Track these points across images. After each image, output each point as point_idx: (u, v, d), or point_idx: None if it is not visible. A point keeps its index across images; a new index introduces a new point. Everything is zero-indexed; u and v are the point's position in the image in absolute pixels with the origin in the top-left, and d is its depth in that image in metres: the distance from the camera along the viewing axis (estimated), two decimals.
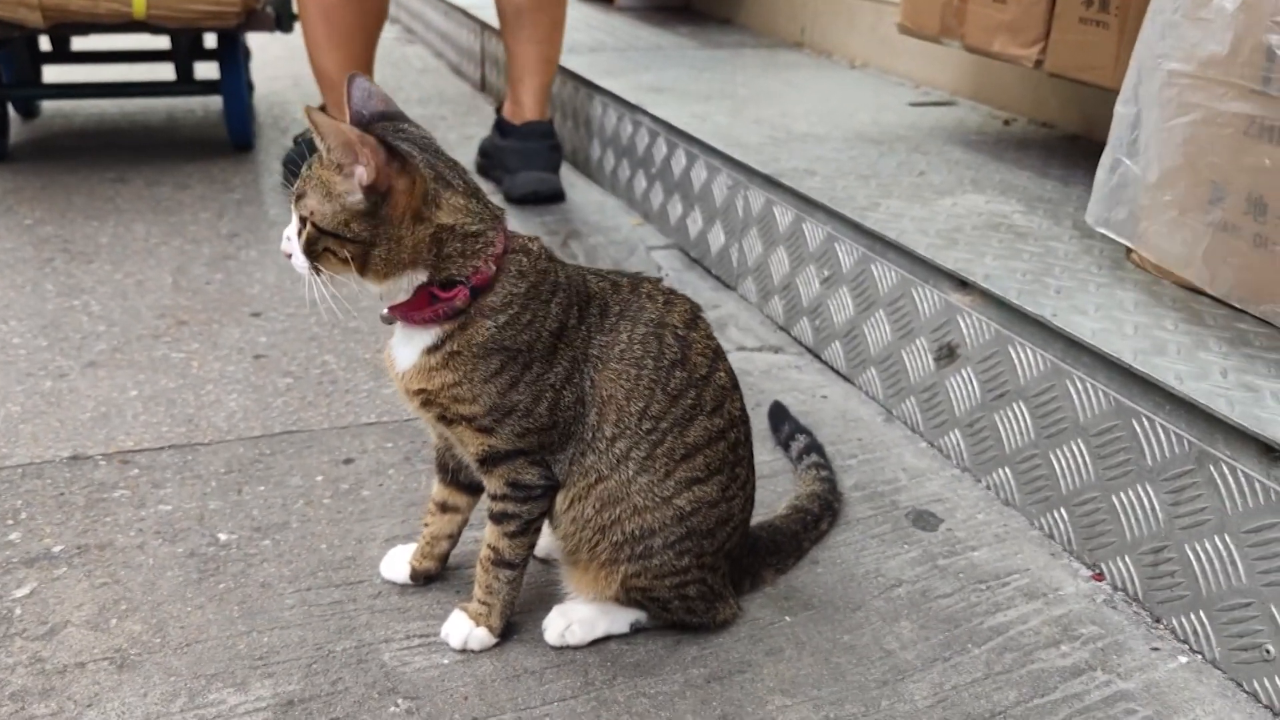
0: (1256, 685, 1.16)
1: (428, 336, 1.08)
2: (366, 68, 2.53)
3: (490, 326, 1.06)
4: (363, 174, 0.98)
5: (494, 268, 1.06)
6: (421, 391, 1.10)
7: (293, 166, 2.75)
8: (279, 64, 4.18)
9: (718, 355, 1.17)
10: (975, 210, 1.89)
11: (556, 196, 2.71)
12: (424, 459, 1.58)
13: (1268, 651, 1.14)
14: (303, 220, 1.02)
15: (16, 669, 1.14)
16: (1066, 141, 2.48)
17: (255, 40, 3.50)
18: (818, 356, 1.94)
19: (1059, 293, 1.51)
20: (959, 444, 1.59)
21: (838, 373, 1.89)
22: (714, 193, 2.26)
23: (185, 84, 3.09)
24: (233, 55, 2.79)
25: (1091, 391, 1.34)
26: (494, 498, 1.15)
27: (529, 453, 1.11)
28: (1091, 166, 2.24)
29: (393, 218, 1.00)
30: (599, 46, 3.52)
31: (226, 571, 1.31)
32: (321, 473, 1.54)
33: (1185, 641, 1.24)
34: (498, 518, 1.15)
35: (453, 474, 1.24)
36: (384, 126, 1.05)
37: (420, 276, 1.04)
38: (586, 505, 1.13)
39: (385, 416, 1.70)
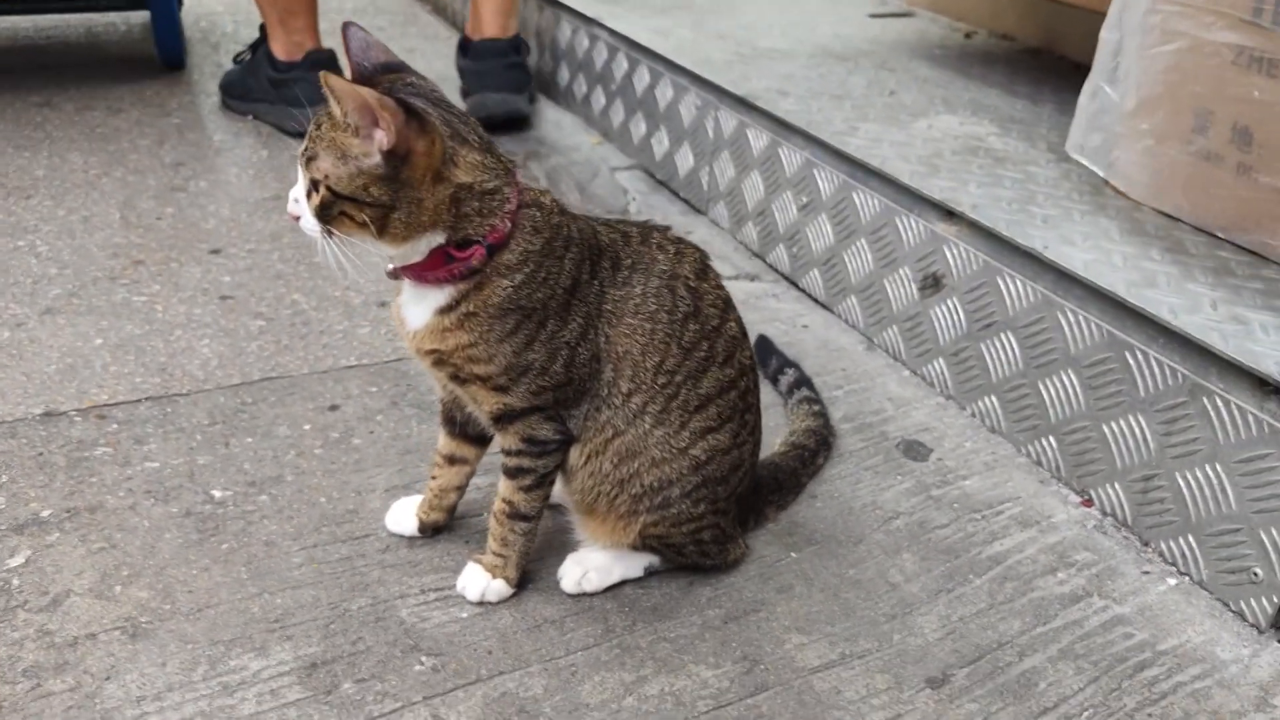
0: (1243, 605, 1.22)
1: (441, 296, 1.05)
2: None
3: (507, 285, 1.03)
4: (382, 138, 0.94)
5: (509, 225, 1.03)
6: (434, 351, 1.07)
7: (231, 90, 2.62)
8: None
9: (728, 305, 1.17)
10: (951, 133, 1.88)
11: (515, 119, 2.62)
12: (410, 403, 1.56)
13: (1256, 574, 1.20)
14: (314, 184, 0.98)
15: (25, 644, 1.11)
16: (1029, 55, 2.47)
17: None
18: (795, 284, 1.94)
19: (1045, 222, 1.52)
20: (943, 372, 1.61)
21: (816, 301, 1.89)
22: (681, 113, 2.22)
23: None
24: None
25: (1084, 323, 1.36)
26: (508, 453, 1.14)
27: (544, 409, 1.10)
28: (1056, 83, 2.25)
29: (413, 180, 0.96)
30: None
31: (227, 530, 1.29)
32: (308, 421, 1.51)
33: (1173, 564, 1.30)
34: (512, 472, 1.14)
35: (460, 426, 1.22)
36: (391, 81, 1.00)
37: (439, 238, 1.00)
38: (604, 460, 1.13)
39: (365, 359, 1.66)
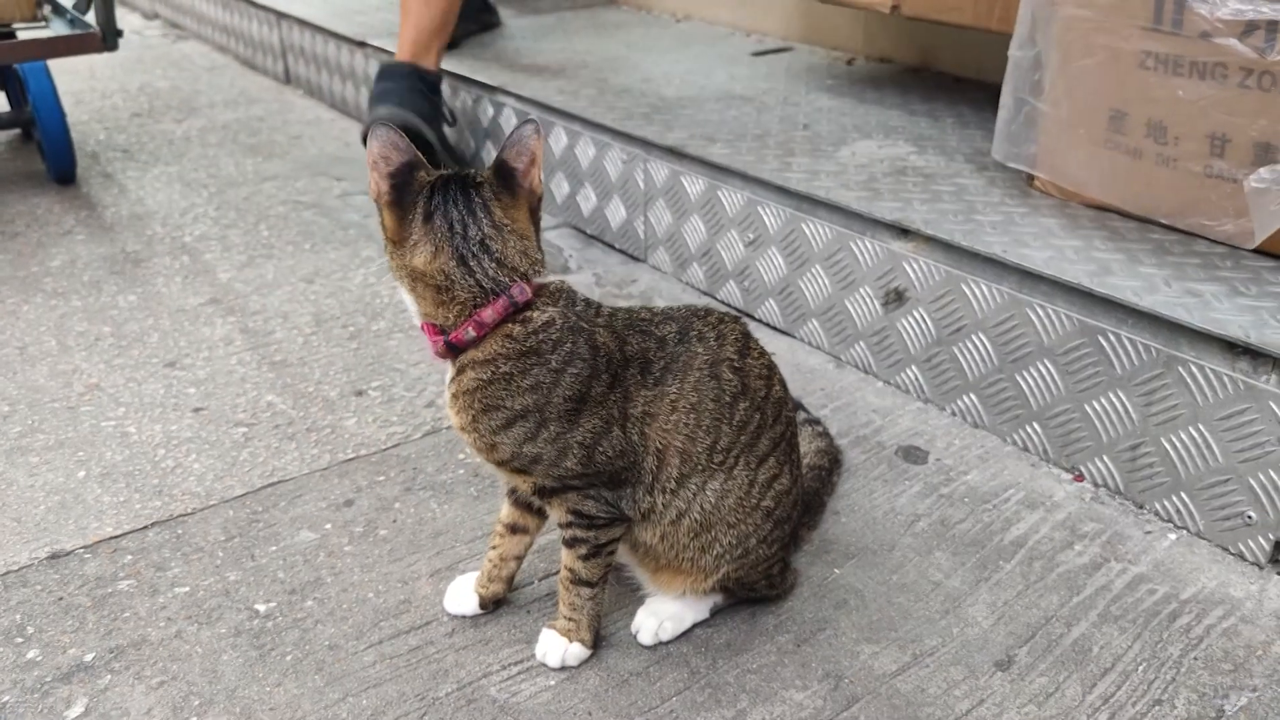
0: (1242, 547, 1.35)
1: (448, 370, 1.13)
2: None
3: (475, 379, 1.09)
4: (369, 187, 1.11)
5: (473, 333, 1.07)
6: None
7: None
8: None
9: (771, 370, 1.22)
10: (874, 157, 2.01)
11: (407, 130, 2.55)
12: (422, 485, 1.57)
13: (1250, 517, 1.33)
14: None
15: None
16: (910, 75, 2.65)
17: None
18: (751, 316, 2.03)
19: (994, 228, 1.65)
20: (917, 379, 1.72)
21: (775, 329, 1.98)
22: (607, 168, 2.29)
23: None
24: (44, 79, 2.54)
25: (1053, 316, 1.49)
26: (561, 525, 1.17)
27: (578, 489, 1.13)
28: (946, 98, 2.42)
29: (385, 233, 1.10)
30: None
31: (285, 641, 1.27)
32: (327, 520, 1.50)
33: (1169, 521, 1.43)
34: (569, 542, 1.18)
35: (520, 496, 1.24)
36: (466, 170, 1.11)
37: (411, 301, 1.11)
38: (679, 535, 1.17)
39: (362, 450, 1.66)
